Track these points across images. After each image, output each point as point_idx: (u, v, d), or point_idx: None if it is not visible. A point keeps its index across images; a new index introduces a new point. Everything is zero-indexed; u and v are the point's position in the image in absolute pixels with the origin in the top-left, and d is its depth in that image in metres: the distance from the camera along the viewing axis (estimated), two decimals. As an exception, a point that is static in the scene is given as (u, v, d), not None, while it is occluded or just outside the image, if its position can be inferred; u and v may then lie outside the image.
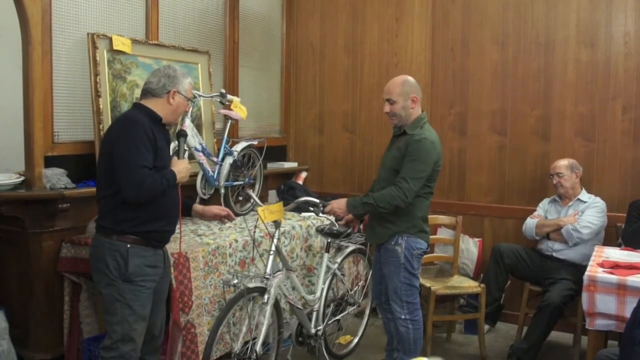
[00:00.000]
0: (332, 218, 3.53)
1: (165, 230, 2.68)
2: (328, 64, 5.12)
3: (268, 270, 3.04)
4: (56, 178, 3.16)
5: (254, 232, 3.22)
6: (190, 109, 2.82)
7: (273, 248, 3.10)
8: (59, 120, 3.30)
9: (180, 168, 2.65)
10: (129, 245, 2.54)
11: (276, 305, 3.12)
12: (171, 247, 3.09)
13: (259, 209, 3.03)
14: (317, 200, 3.01)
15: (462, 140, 4.59)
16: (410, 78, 3.18)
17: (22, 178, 3.12)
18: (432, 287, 3.78)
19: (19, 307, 3.20)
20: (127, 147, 2.47)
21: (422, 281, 3.92)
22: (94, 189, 3.23)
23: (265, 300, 2.97)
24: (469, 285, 3.92)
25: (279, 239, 3.18)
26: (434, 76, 4.67)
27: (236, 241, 3.35)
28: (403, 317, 3.14)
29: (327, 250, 3.53)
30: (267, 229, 3.10)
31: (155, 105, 2.65)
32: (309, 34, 5.19)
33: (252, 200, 3.23)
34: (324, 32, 5.13)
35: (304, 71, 5.24)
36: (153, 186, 2.48)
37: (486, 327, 4.01)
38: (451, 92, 4.62)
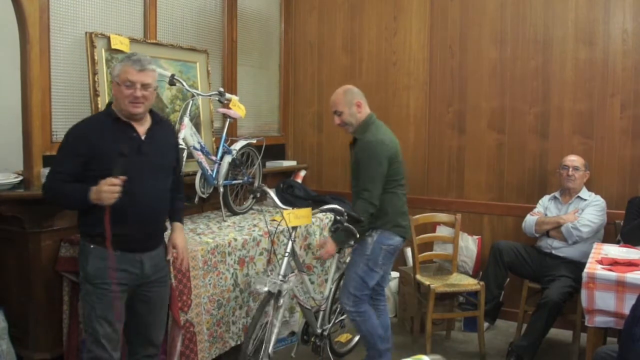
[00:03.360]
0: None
1: (124, 234, 2.47)
2: (326, 63, 5.12)
3: (282, 273, 3.04)
4: (55, 177, 3.15)
5: (274, 234, 3.26)
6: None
7: (288, 250, 3.09)
8: (57, 120, 3.30)
9: (100, 188, 2.37)
10: (92, 246, 2.52)
11: None
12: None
13: (285, 213, 3.00)
14: (343, 210, 3.00)
15: (460, 139, 4.59)
16: (350, 87, 3.27)
17: (21, 177, 3.11)
18: (431, 285, 3.78)
19: (18, 306, 3.19)
20: (58, 151, 2.57)
21: (422, 279, 3.94)
22: (92, 189, 3.23)
23: (280, 304, 2.98)
24: (468, 282, 3.92)
25: (294, 241, 3.17)
26: (433, 74, 4.68)
27: (235, 240, 3.35)
28: (348, 308, 3.20)
29: (339, 251, 3.53)
30: (267, 227, 3.09)
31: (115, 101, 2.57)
32: (307, 33, 5.19)
33: (268, 196, 3.21)
34: (322, 30, 5.12)
35: (302, 70, 5.24)
36: (52, 192, 2.52)
37: (485, 324, 4.01)
38: (450, 90, 4.62)
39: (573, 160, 3.97)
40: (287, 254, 3.09)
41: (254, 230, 3.56)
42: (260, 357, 2.92)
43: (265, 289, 2.93)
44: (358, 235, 3.06)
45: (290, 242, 3.11)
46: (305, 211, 3.06)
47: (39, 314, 3.17)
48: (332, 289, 3.53)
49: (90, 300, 2.51)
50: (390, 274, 3.42)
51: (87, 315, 2.53)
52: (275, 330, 2.95)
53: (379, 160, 3.06)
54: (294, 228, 3.17)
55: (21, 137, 3.15)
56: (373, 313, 3.27)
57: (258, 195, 3.31)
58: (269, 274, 3.34)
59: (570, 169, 3.94)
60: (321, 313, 3.47)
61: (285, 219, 2.99)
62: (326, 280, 3.78)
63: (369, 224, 3.13)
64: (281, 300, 2.97)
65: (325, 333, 3.46)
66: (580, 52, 4.19)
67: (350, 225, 3.00)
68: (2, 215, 3.03)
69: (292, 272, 3.12)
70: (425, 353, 3.61)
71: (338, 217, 2.99)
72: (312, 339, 3.42)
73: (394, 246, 3.17)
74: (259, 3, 4.92)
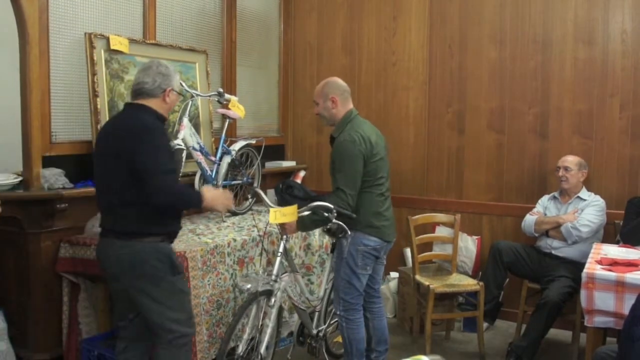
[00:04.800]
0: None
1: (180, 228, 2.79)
2: (326, 63, 5.12)
3: (275, 272, 3.02)
4: (54, 178, 3.15)
5: (265, 231, 3.27)
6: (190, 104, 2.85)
7: (281, 250, 3.06)
8: (56, 121, 3.30)
9: (219, 198, 2.74)
10: (161, 243, 2.60)
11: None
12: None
13: (271, 210, 2.97)
14: (331, 206, 2.97)
15: (460, 139, 4.59)
16: (333, 80, 3.21)
17: (20, 178, 3.12)
18: (430, 285, 3.78)
19: (18, 307, 3.20)
20: (156, 153, 2.48)
21: (421, 279, 3.94)
22: (92, 189, 3.23)
23: (272, 304, 2.95)
24: (468, 283, 3.92)
25: (287, 240, 3.15)
26: (432, 74, 4.68)
27: (234, 240, 3.35)
28: (339, 312, 3.16)
29: (332, 251, 3.51)
30: (257, 228, 3.08)
31: (153, 104, 2.61)
32: (306, 33, 5.19)
33: (261, 197, 3.22)
34: (321, 30, 5.12)
35: (301, 70, 5.24)
36: (181, 194, 2.62)
37: (485, 324, 4.01)
38: (449, 90, 4.62)
39: (565, 160, 3.97)
40: (279, 254, 3.06)
41: (253, 231, 3.56)
42: (252, 357, 2.90)
43: (248, 286, 2.91)
44: (349, 233, 3.00)
45: (282, 242, 3.08)
46: (291, 209, 3.00)
47: (38, 314, 3.17)
48: (327, 290, 3.51)
49: (181, 289, 2.67)
50: (381, 275, 3.37)
51: (180, 302, 2.64)
52: (269, 331, 2.92)
53: (353, 159, 2.98)
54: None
55: (20, 138, 3.15)
56: (362, 327, 3.21)
57: (249, 197, 3.31)
58: (268, 274, 3.34)
59: (561, 170, 3.95)
60: (316, 314, 3.46)
61: (271, 217, 2.96)
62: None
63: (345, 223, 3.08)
64: (273, 300, 2.95)
65: (321, 334, 3.44)
66: (579, 52, 4.19)
67: (340, 222, 2.96)
68: (1, 216, 3.03)
69: (285, 272, 3.11)
70: (424, 353, 3.61)
71: (326, 214, 2.96)
72: (308, 340, 3.41)
73: (371, 247, 3.09)
74: (258, 4, 4.92)
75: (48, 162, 3.20)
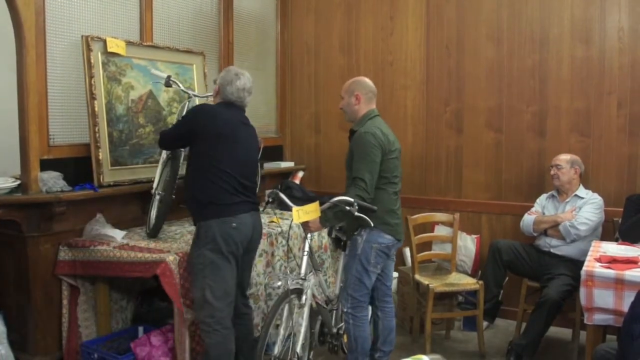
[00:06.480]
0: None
1: None
2: (323, 63, 5.12)
3: (303, 271, 3.06)
4: (52, 181, 3.15)
5: (288, 233, 3.43)
6: None
7: (307, 249, 3.11)
8: (54, 123, 3.29)
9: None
10: None
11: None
12: (174, 247, 3.10)
13: (294, 210, 3.03)
14: (352, 200, 3.00)
15: (458, 138, 4.60)
16: (362, 79, 3.32)
17: (19, 182, 3.11)
18: (430, 285, 3.78)
19: (17, 310, 3.19)
20: None
21: (420, 279, 3.94)
22: (90, 192, 3.24)
23: (303, 302, 2.99)
24: (467, 282, 3.92)
25: (312, 239, 3.20)
26: (430, 74, 4.68)
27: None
28: (346, 310, 3.19)
29: (344, 249, 3.51)
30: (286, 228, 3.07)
31: None
32: (303, 34, 5.19)
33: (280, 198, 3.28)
34: (318, 31, 5.12)
35: (299, 71, 5.24)
36: None
37: (485, 323, 4.01)
38: (447, 89, 4.63)
39: (556, 158, 3.99)
40: (305, 253, 3.11)
41: (288, 233, 3.56)
42: (289, 357, 2.93)
43: (279, 283, 2.99)
44: (372, 224, 3.00)
45: (307, 241, 3.13)
46: (313, 206, 3.06)
47: (37, 317, 3.17)
48: (342, 287, 3.53)
49: None
50: (392, 271, 3.40)
51: None
52: (302, 330, 2.95)
53: (371, 149, 3.04)
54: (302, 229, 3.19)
55: (18, 141, 3.15)
56: (367, 325, 3.24)
57: (270, 200, 3.35)
58: (288, 272, 3.39)
59: (553, 168, 3.96)
60: (334, 312, 3.48)
61: (294, 216, 3.01)
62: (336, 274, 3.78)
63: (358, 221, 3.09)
64: (303, 298, 2.99)
65: (341, 332, 3.47)
66: (576, 50, 4.19)
67: (362, 215, 2.96)
68: (0, 219, 3.03)
69: (311, 271, 3.15)
70: (424, 353, 3.61)
71: (347, 208, 2.97)
72: (328, 339, 3.43)
73: (385, 244, 3.13)
74: (255, 5, 4.92)
75: (46, 165, 3.20)
